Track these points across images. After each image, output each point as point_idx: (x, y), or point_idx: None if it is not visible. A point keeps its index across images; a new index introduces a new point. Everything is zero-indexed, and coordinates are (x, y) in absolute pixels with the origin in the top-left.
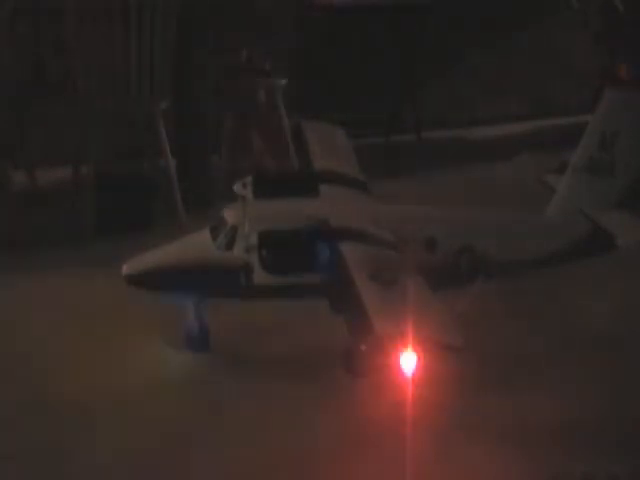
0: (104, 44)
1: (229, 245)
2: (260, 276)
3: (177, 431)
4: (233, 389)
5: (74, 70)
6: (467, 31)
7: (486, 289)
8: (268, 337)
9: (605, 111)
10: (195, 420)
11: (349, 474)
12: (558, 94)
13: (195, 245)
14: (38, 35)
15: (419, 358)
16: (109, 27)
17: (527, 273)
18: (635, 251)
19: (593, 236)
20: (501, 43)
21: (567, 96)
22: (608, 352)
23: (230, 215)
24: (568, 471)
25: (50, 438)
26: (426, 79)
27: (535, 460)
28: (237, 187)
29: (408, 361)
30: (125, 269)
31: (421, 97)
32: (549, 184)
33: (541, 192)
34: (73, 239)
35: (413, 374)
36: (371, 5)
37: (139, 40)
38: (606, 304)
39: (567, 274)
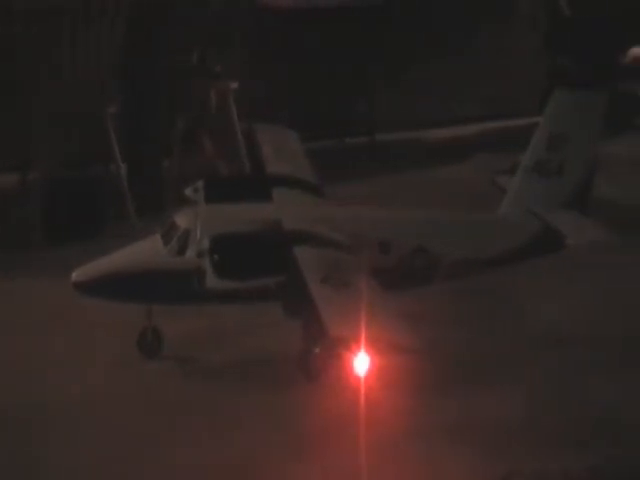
0: (53, 45)
1: (181, 250)
2: (212, 280)
3: (142, 432)
4: (186, 393)
5: (22, 71)
6: (421, 33)
7: (438, 290)
8: (222, 341)
9: (553, 112)
10: (157, 422)
11: (301, 474)
12: (510, 96)
13: (146, 250)
14: None
15: (372, 360)
16: (57, 27)
17: (479, 273)
18: (583, 251)
19: (543, 236)
20: (454, 46)
21: (519, 98)
22: (557, 352)
23: (182, 219)
24: (521, 468)
25: (17, 439)
26: (381, 81)
27: (489, 458)
28: (188, 191)
29: (361, 363)
30: (74, 276)
31: (375, 99)
32: (500, 185)
33: (493, 192)
34: (22, 246)
35: (366, 376)
36: (326, 8)
37: (87, 41)
38: (555, 305)
39: (517, 275)
